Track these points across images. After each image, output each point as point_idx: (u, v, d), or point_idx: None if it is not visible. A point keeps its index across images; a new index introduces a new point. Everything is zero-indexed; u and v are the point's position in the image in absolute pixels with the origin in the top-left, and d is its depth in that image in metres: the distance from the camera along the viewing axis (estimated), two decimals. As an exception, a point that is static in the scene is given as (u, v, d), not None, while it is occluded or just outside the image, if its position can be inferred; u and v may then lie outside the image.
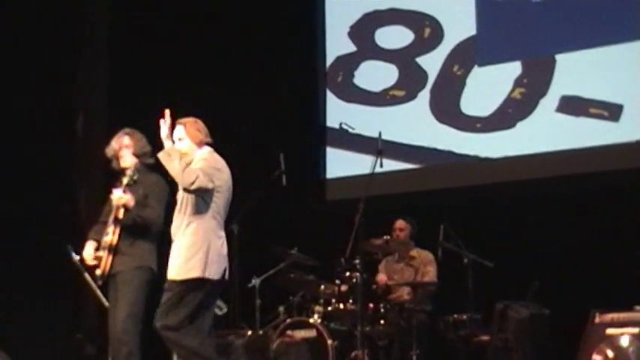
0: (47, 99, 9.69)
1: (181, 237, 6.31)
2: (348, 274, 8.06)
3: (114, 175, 6.97)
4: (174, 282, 6.26)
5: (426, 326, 8.16)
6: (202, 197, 6.30)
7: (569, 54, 8.97)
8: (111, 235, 6.70)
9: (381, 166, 7.92)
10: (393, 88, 9.95)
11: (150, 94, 9.71)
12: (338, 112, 10.20)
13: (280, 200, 8.99)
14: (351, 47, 10.28)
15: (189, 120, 6.56)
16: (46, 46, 9.74)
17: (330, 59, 10.34)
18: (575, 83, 8.93)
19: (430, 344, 8.14)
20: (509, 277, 8.02)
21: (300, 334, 7.92)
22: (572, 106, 8.89)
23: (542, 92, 9.07)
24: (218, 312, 6.80)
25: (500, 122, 9.28)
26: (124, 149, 6.85)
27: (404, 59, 9.92)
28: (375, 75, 10.09)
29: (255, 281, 8.45)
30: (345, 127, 10.04)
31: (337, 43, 10.32)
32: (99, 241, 6.85)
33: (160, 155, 6.29)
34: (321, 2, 10.41)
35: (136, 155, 6.85)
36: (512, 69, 9.27)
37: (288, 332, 7.95)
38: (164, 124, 6.28)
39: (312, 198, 9.94)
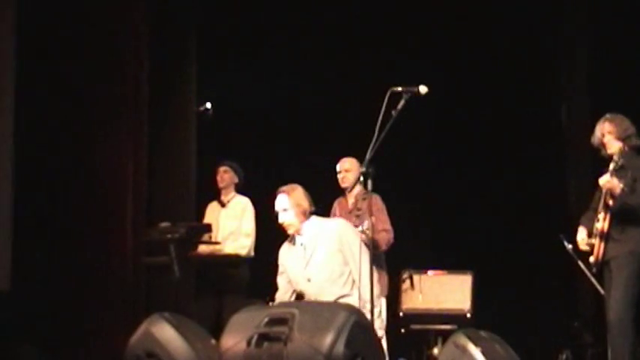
0: (533, 93, 9.94)
1: None
2: None
3: (602, 163, 6.97)
4: None
5: None
6: None
7: None
8: (601, 222, 6.70)
9: None
10: None
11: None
12: None
13: None
14: None
15: (292, 187, 6.28)
16: (533, 46, 10.00)
17: None
18: None
19: None
20: None
21: None
22: None
23: None
24: None
25: None
26: (607, 135, 6.81)
27: None
28: None
29: None
30: None
31: None
32: (590, 228, 6.89)
33: None
34: None
35: (619, 139, 6.79)
36: None
37: None
38: None
39: None
